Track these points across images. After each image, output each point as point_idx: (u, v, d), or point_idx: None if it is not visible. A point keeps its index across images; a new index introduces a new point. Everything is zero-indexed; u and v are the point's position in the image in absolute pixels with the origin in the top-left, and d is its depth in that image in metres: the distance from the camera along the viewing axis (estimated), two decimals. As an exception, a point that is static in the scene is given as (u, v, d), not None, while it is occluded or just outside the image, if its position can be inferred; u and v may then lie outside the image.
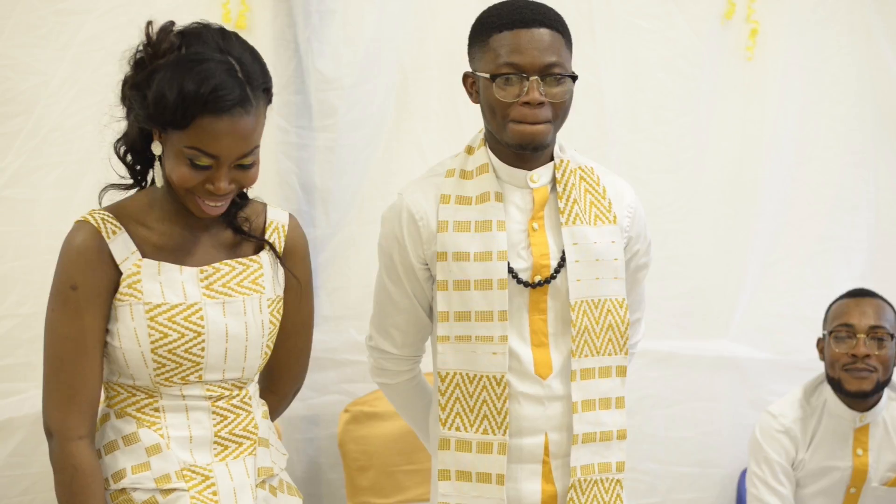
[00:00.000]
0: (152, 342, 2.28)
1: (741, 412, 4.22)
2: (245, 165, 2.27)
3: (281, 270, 2.44)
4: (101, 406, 2.37)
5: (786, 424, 3.66)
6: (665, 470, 4.21)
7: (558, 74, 2.44)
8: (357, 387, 3.86)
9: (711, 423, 4.24)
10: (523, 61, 2.42)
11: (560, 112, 2.48)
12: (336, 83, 3.76)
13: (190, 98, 2.18)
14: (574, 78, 2.47)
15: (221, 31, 2.29)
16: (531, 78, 2.42)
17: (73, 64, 3.50)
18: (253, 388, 2.43)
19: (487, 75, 2.45)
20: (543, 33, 2.44)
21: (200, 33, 2.27)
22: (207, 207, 2.28)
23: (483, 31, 2.49)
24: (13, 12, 3.44)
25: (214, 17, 3.18)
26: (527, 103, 2.43)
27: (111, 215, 2.31)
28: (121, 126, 2.35)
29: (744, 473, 4.07)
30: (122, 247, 2.29)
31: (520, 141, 2.46)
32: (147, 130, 2.29)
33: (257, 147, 2.28)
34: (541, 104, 2.43)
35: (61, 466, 2.28)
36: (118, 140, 2.36)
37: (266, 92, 2.29)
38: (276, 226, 2.45)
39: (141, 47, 2.27)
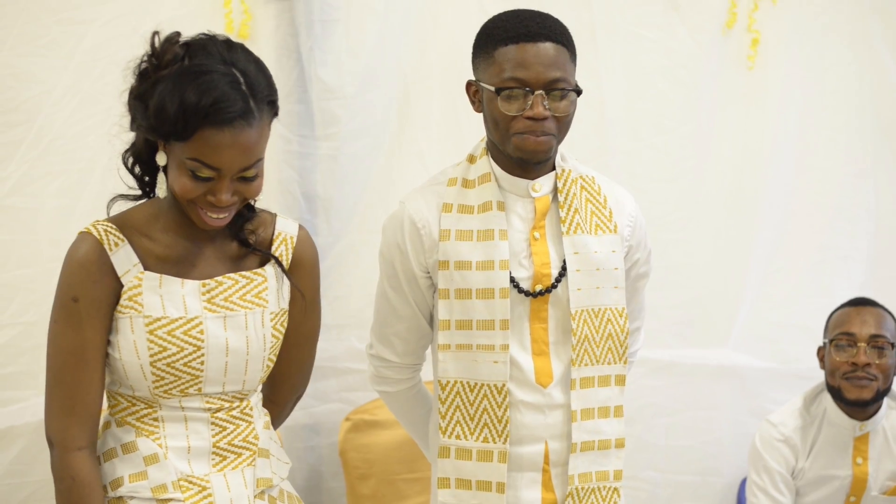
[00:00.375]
0: (151, 355, 2.28)
1: (742, 421, 4.22)
2: (248, 178, 2.26)
3: (287, 283, 2.43)
4: (104, 414, 2.37)
5: (785, 433, 3.67)
6: (665, 478, 4.21)
7: (563, 89, 2.45)
8: (358, 395, 3.86)
9: (712, 432, 4.24)
10: (528, 76, 2.42)
11: (563, 125, 2.48)
12: (338, 92, 3.77)
13: (191, 110, 2.17)
14: (578, 92, 2.48)
15: (227, 42, 2.28)
16: (535, 92, 2.42)
17: (75, 73, 3.50)
18: (255, 399, 2.42)
19: (492, 88, 2.45)
20: (548, 47, 2.44)
21: (205, 45, 2.26)
22: (209, 219, 2.28)
23: (488, 42, 2.48)
24: (17, 21, 3.45)
25: (217, 26, 3.20)
26: (530, 117, 2.43)
27: (114, 227, 2.31)
28: (130, 136, 2.34)
29: (744, 482, 4.07)
30: (124, 259, 2.29)
31: (522, 154, 2.47)
32: (152, 140, 2.29)
33: (261, 160, 2.26)
34: (544, 118, 2.44)
35: (61, 476, 2.29)
36: (126, 151, 2.36)
37: (271, 105, 2.28)
38: (285, 237, 2.44)
39: (145, 58, 2.26)
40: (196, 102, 2.17)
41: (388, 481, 3.82)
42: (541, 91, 2.42)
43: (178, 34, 2.27)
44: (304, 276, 2.46)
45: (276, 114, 2.31)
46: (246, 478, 2.37)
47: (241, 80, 2.22)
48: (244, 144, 2.21)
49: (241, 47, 2.29)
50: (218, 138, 2.19)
